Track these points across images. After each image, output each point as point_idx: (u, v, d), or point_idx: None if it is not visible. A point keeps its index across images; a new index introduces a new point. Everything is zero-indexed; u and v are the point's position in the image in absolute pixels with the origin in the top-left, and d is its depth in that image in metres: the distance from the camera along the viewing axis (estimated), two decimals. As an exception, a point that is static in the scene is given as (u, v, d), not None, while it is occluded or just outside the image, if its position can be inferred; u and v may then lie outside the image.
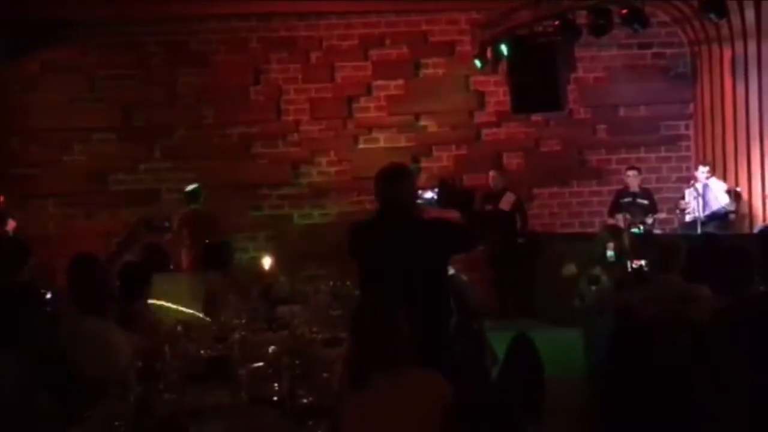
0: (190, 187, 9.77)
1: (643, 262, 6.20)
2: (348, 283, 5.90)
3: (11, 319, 3.44)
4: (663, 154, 11.33)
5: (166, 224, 8.14)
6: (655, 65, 11.28)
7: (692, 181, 9.91)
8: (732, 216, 9.78)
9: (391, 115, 11.14)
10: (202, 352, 4.36)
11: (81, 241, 9.30)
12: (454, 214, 4.39)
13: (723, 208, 9.65)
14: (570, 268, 7.79)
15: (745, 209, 10.01)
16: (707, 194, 9.69)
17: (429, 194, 4.60)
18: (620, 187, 10.41)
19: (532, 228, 10.85)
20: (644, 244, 7.39)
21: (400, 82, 11.14)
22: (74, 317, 4.21)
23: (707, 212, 9.62)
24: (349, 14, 11.02)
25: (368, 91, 11.14)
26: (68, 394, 3.51)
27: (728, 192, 9.71)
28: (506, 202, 10.21)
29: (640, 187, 10.16)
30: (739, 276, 4.39)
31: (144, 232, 4.78)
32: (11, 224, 9.20)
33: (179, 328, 4.65)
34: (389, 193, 4.27)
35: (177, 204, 10.20)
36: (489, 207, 10.20)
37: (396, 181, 4.31)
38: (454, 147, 11.22)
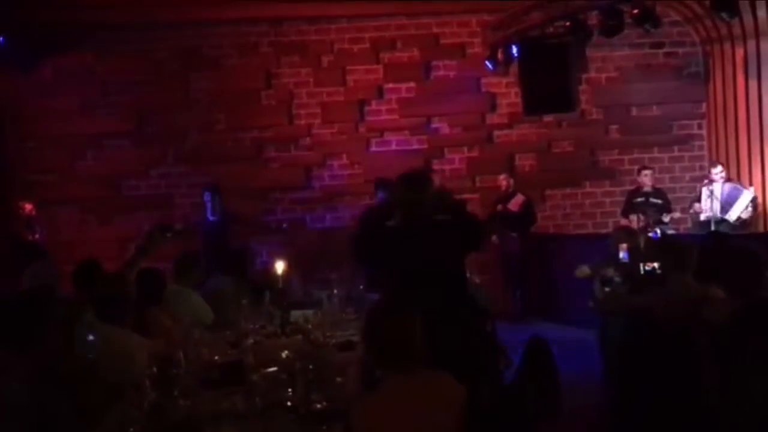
0: None
1: (656, 265, 6.18)
2: (361, 287, 5.92)
3: (24, 322, 3.46)
4: (676, 153, 11.29)
5: (184, 228, 8.19)
6: (667, 65, 11.25)
7: (706, 181, 9.86)
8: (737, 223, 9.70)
9: (402, 117, 11.15)
10: (216, 357, 4.37)
11: (95, 247, 9.34)
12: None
13: (738, 220, 9.58)
14: (583, 270, 7.78)
15: (759, 209, 9.95)
16: (726, 199, 9.60)
17: None
18: (633, 187, 10.37)
19: (545, 229, 10.83)
20: (659, 246, 7.37)
21: (412, 84, 11.15)
22: (90, 323, 4.23)
23: (722, 214, 9.56)
24: (360, 18, 11.04)
25: (380, 94, 11.15)
26: (84, 399, 3.52)
27: (752, 203, 9.62)
28: (515, 203, 10.20)
29: (653, 186, 10.13)
30: (751, 277, 4.37)
31: (161, 237, 4.79)
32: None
33: (195, 333, 4.67)
34: (414, 198, 4.31)
35: (190, 208, 10.24)
36: (500, 207, 10.21)
37: (420, 186, 4.35)
38: (466, 149, 11.22)
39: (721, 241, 6.77)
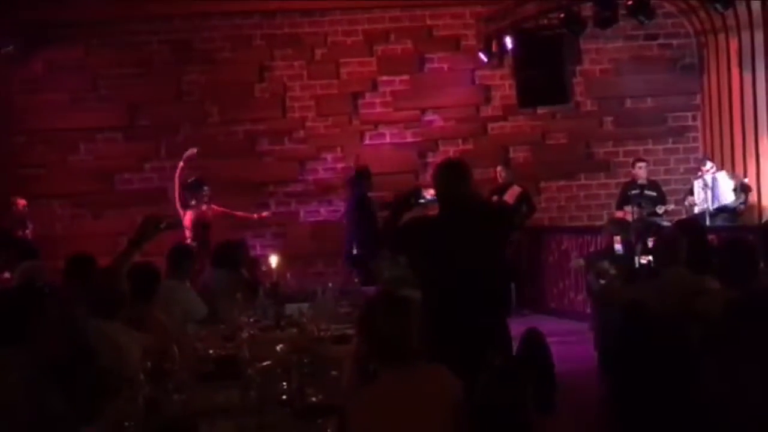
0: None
1: (651, 257, 6.18)
2: (356, 279, 5.91)
3: (20, 319, 3.44)
4: (670, 145, 11.30)
5: (177, 219, 8.14)
6: (661, 56, 11.24)
7: (700, 173, 9.87)
8: (741, 207, 9.73)
9: (396, 110, 11.13)
10: (210, 351, 4.36)
11: (88, 242, 9.30)
12: None
13: (730, 204, 9.60)
14: (578, 262, 7.79)
15: (753, 200, 9.97)
16: (716, 187, 9.64)
17: (430, 194, 4.60)
18: (628, 179, 10.38)
19: (540, 222, 10.83)
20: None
21: (406, 77, 11.13)
22: (83, 318, 4.20)
23: (716, 204, 9.57)
24: (353, 10, 11.02)
25: (373, 86, 11.13)
26: (79, 395, 3.51)
27: (735, 190, 9.64)
28: (511, 194, 10.22)
29: (647, 179, 10.13)
30: (745, 268, 4.38)
31: (154, 230, 4.75)
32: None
33: (189, 327, 4.66)
34: (453, 188, 4.32)
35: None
36: (495, 199, 10.20)
37: (460, 176, 4.36)
38: (460, 141, 11.20)
39: (696, 230, 6.73)
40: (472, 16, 11.07)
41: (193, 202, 9.27)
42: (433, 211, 4.55)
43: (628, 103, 11.30)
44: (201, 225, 9.22)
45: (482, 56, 10.64)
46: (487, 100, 11.24)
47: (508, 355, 4.12)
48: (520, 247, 10.26)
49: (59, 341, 3.54)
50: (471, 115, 11.21)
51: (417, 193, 4.56)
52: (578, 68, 10.97)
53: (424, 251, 4.34)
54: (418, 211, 4.60)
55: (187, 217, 9.19)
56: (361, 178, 9.69)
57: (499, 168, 10.51)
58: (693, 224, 7.25)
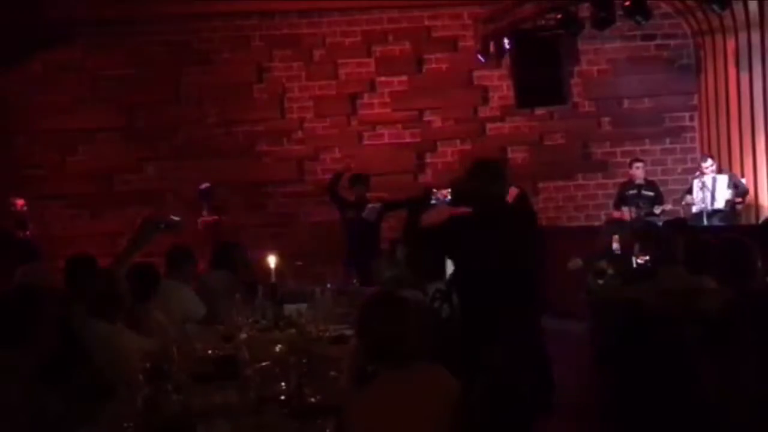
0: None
1: (648, 257, 6.19)
2: (354, 280, 5.91)
3: (20, 321, 3.44)
4: (668, 145, 11.32)
5: (176, 219, 8.16)
6: (658, 57, 11.26)
7: (698, 173, 9.88)
8: (739, 207, 9.75)
9: (395, 111, 11.14)
10: (209, 351, 4.36)
11: (87, 242, 9.33)
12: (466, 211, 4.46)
13: (723, 208, 9.62)
14: (576, 262, 7.80)
15: (751, 199, 9.98)
16: (715, 190, 9.66)
17: (442, 195, 4.63)
18: (625, 179, 10.39)
19: (538, 222, 10.82)
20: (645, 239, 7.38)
21: (404, 78, 11.15)
22: (81, 319, 4.21)
23: (713, 206, 9.59)
24: (352, 11, 11.03)
25: (372, 87, 11.14)
26: (78, 396, 3.51)
27: (727, 200, 9.63)
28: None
29: (645, 179, 10.14)
30: (743, 268, 4.39)
31: (155, 231, 4.74)
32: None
33: (188, 327, 4.67)
34: (490, 189, 4.34)
35: (182, 203, 10.21)
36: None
37: (496, 177, 4.39)
38: (458, 142, 11.22)
39: (679, 229, 6.74)
40: (470, 17, 11.09)
41: (204, 209, 9.44)
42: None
43: (626, 103, 11.32)
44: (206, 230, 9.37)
45: (480, 57, 10.66)
46: (485, 100, 11.25)
47: (539, 353, 4.15)
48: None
49: (58, 342, 3.54)
50: (469, 116, 11.23)
51: (429, 195, 4.62)
52: (576, 69, 11.00)
53: (462, 250, 4.36)
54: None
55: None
56: (358, 180, 9.71)
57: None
58: (682, 223, 7.27)
